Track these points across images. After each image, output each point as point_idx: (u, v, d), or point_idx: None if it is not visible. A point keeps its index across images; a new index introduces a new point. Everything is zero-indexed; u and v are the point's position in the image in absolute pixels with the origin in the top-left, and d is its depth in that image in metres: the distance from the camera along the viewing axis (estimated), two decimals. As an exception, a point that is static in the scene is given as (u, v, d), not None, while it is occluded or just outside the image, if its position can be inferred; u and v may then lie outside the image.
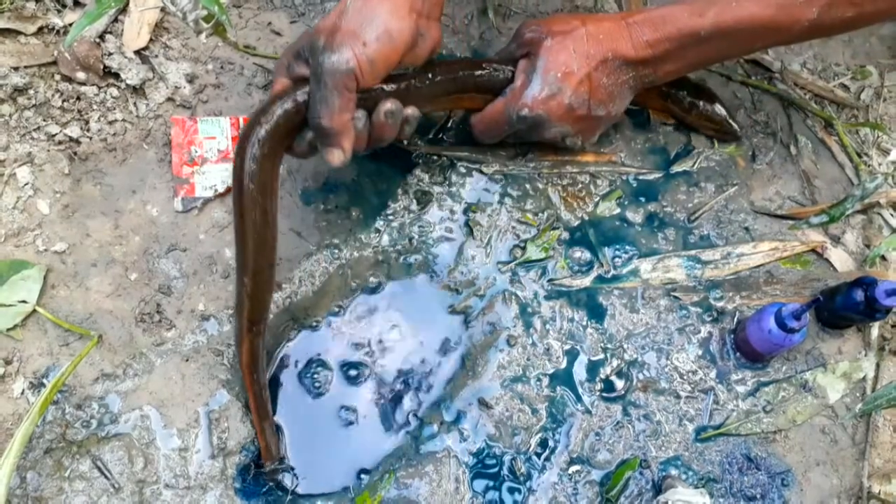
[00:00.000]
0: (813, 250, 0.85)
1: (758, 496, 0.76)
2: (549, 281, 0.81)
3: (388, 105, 0.67)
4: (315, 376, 0.75)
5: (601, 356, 0.79)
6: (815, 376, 0.80)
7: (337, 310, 0.77)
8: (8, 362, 0.71)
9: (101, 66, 0.79)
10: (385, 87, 0.67)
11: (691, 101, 0.85)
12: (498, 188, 0.83)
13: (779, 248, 0.84)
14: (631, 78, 0.75)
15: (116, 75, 0.80)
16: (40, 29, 0.80)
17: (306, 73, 0.65)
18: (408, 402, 0.76)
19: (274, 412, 0.73)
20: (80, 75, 0.78)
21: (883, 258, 0.86)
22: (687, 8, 0.71)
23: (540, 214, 0.83)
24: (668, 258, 0.82)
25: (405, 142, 0.78)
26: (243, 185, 0.62)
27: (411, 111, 0.69)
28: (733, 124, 0.86)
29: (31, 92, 0.77)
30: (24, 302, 0.71)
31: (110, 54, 0.79)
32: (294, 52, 0.67)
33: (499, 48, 0.85)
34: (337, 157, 0.65)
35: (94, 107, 0.79)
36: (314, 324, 0.77)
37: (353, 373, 0.76)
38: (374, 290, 0.79)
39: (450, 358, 0.78)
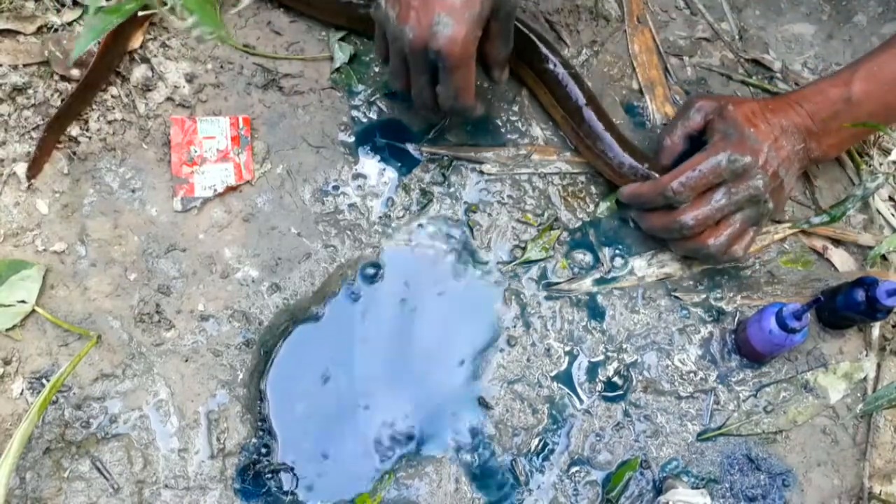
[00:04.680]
0: (814, 250, 0.85)
1: (759, 497, 0.75)
2: (548, 282, 0.80)
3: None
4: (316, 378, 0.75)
5: (601, 357, 0.79)
6: (815, 376, 0.80)
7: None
8: (7, 362, 0.70)
9: (100, 66, 0.79)
10: None
11: None
12: (498, 188, 0.83)
13: (770, 232, 0.84)
14: (802, 150, 0.77)
15: (115, 74, 0.80)
16: (39, 28, 0.80)
17: None
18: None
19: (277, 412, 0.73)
20: (76, 73, 0.78)
21: (884, 258, 0.85)
22: (834, 79, 0.77)
23: (540, 214, 0.83)
24: (661, 252, 0.82)
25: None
26: None
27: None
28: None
29: (30, 91, 0.77)
30: (23, 302, 0.71)
31: (109, 54, 0.79)
32: None
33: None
34: None
35: (93, 106, 0.79)
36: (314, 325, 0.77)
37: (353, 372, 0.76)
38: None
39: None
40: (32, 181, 0.75)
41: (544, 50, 0.81)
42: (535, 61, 0.82)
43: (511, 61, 0.84)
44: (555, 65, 0.81)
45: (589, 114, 0.80)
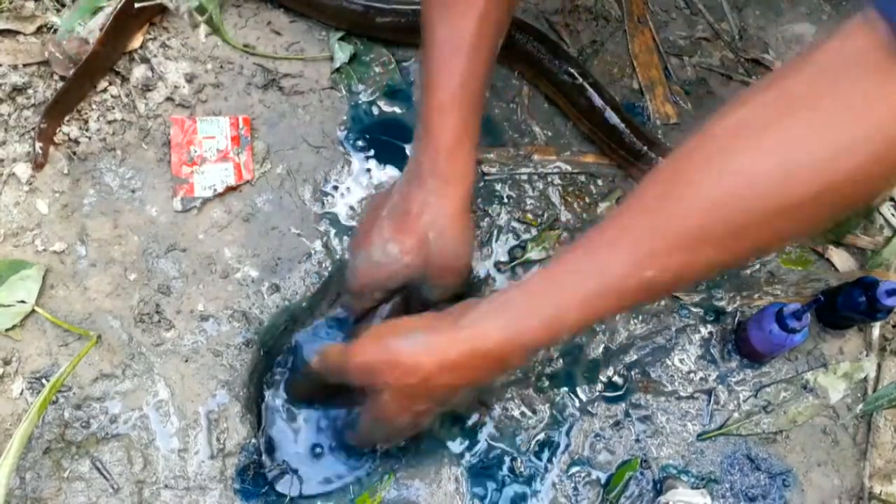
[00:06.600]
0: (814, 250, 0.85)
1: (759, 497, 0.75)
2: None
3: None
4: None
5: (602, 356, 0.79)
6: (816, 376, 0.80)
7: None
8: (7, 362, 0.70)
9: (100, 66, 0.79)
10: None
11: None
12: (498, 188, 0.83)
13: None
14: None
15: (115, 74, 0.80)
16: (39, 28, 0.80)
17: None
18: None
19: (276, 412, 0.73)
20: (76, 73, 0.78)
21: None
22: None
23: (540, 214, 0.83)
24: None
25: None
26: None
27: None
28: None
29: (30, 91, 0.77)
30: (22, 302, 0.71)
31: (109, 54, 0.79)
32: None
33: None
34: None
35: (93, 106, 0.79)
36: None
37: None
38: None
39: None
40: (34, 176, 0.75)
41: (560, 62, 0.81)
42: (553, 74, 0.82)
43: (529, 73, 0.85)
44: (573, 76, 0.81)
45: (620, 124, 0.81)
